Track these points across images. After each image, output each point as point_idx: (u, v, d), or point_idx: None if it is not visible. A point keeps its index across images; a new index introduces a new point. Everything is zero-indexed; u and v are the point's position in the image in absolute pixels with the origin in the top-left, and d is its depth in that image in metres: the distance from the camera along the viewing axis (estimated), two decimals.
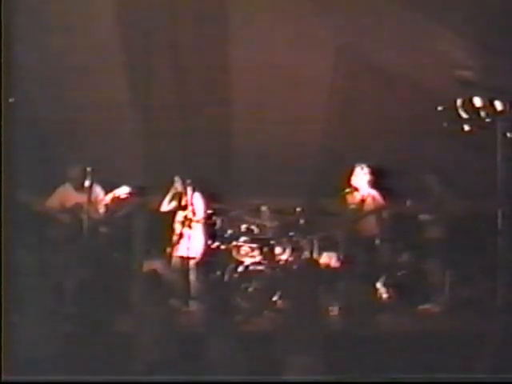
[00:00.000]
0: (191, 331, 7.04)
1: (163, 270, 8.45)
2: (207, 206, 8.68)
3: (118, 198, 8.33)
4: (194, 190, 8.52)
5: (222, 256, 8.65)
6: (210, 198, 8.75)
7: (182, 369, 6.07)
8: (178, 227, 8.50)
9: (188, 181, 8.47)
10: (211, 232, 8.74)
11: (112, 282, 7.50)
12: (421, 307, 8.06)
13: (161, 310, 7.05)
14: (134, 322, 6.95)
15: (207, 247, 8.60)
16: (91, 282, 7.55)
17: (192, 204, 8.50)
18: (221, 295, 8.11)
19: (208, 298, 8.11)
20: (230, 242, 8.72)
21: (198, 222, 8.49)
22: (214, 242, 8.70)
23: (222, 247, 8.70)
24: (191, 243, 8.39)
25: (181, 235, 8.42)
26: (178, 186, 8.58)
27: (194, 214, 8.48)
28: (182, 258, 8.46)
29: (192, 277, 8.41)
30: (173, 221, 8.59)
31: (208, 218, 8.71)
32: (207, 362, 6.29)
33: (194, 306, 8.21)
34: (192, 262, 8.42)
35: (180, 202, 8.57)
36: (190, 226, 8.39)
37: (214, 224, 8.79)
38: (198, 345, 6.50)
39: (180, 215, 8.54)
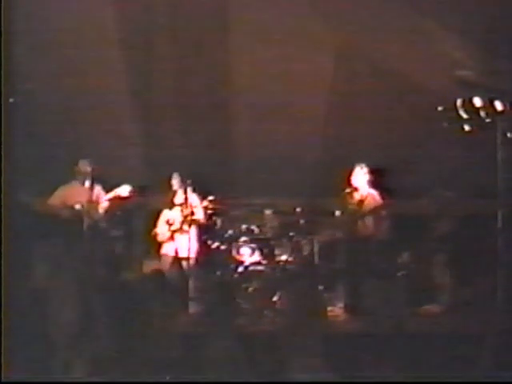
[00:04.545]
0: (191, 331, 7.05)
1: (163, 270, 8.48)
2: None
3: (119, 197, 8.33)
4: (189, 190, 8.47)
5: (221, 256, 8.64)
6: (210, 198, 8.77)
7: (182, 369, 6.07)
8: (166, 227, 8.54)
9: (188, 181, 8.47)
10: (211, 232, 8.74)
11: (112, 281, 7.50)
12: (423, 307, 8.07)
13: (162, 310, 7.06)
14: (134, 321, 6.95)
15: (204, 247, 8.61)
16: (91, 281, 7.55)
17: (190, 203, 8.47)
18: (221, 295, 8.11)
19: (208, 298, 8.11)
20: (230, 242, 8.71)
21: (198, 221, 8.49)
22: (214, 242, 8.70)
23: (222, 247, 8.69)
24: (188, 243, 8.37)
25: (172, 235, 8.48)
26: (174, 183, 8.62)
27: (192, 213, 8.46)
28: (178, 258, 8.50)
29: (191, 277, 8.43)
30: (157, 220, 8.65)
31: (209, 217, 8.72)
32: (207, 362, 6.29)
33: (194, 306, 8.22)
34: (190, 262, 8.42)
35: (173, 200, 8.60)
36: (190, 226, 8.38)
37: (215, 224, 8.79)
38: (198, 345, 6.50)
39: (171, 214, 8.55)
